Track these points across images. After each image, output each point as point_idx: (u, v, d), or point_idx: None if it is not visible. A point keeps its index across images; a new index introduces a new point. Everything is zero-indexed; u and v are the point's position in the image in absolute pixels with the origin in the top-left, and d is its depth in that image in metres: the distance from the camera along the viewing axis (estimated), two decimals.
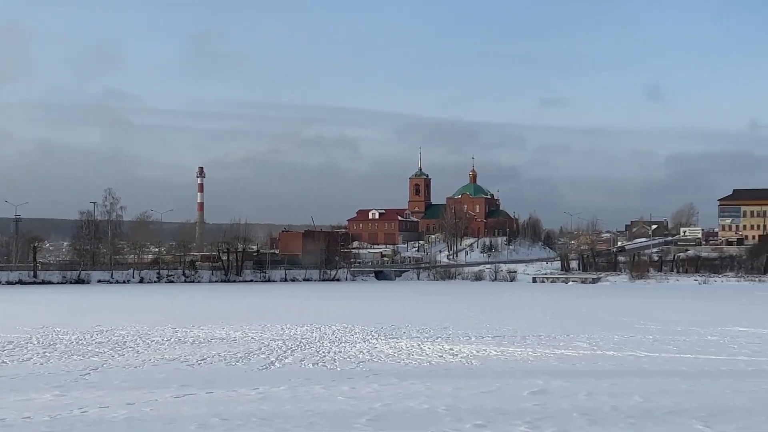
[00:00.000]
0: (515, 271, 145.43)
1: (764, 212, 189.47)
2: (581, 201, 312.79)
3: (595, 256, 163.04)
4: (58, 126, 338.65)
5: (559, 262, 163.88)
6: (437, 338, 36.62)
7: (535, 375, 24.40)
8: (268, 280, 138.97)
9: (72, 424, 16.93)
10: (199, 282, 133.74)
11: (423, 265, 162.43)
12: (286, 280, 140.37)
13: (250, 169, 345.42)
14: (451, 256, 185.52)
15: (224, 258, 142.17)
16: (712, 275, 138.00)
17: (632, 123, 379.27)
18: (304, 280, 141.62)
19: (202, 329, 41.23)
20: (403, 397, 20.18)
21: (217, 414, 17.87)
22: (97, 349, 31.63)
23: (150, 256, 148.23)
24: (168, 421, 17.23)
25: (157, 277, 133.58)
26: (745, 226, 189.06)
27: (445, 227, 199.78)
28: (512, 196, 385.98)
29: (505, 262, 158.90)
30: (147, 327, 42.35)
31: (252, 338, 36.52)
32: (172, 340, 35.87)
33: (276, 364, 27.76)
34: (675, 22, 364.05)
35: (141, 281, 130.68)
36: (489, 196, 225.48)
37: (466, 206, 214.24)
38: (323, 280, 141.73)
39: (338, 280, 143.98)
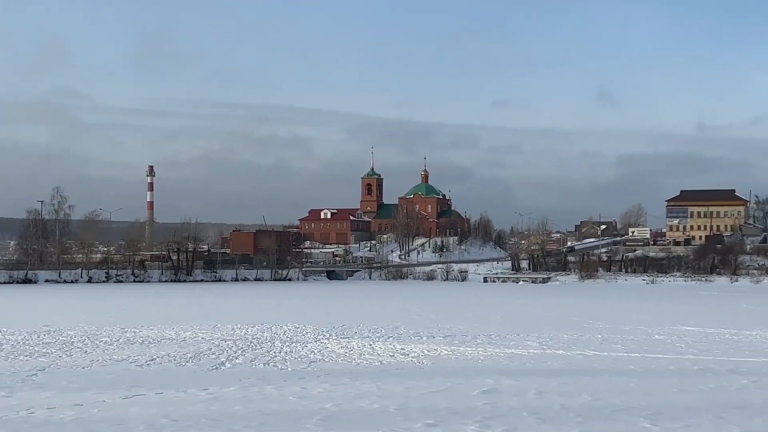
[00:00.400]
0: (466, 271, 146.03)
1: (711, 213, 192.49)
2: (532, 201, 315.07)
3: (545, 256, 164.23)
4: (5, 124, 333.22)
5: (510, 261, 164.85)
6: (389, 338, 36.69)
7: (485, 374, 24.55)
8: (219, 280, 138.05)
9: (19, 426, 16.71)
10: (148, 282, 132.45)
11: (375, 265, 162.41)
12: (237, 279, 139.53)
13: (202, 168, 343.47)
14: (402, 256, 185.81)
15: (174, 257, 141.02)
16: (660, 275, 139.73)
17: (583, 124, 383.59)
18: (256, 279, 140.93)
19: (152, 329, 40.89)
20: (354, 397, 20.19)
21: (167, 415, 17.73)
22: (44, 350, 31.24)
23: (99, 256, 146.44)
24: (117, 422, 17.06)
25: (106, 277, 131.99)
26: (692, 227, 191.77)
27: (397, 227, 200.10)
28: (464, 196, 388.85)
29: (456, 262, 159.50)
30: (95, 327, 41.90)
31: (202, 338, 36.30)
32: (120, 340, 35.53)
33: (226, 364, 27.62)
34: (626, 24, 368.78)
35: (89, 281, 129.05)
36: (441, 196, 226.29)
37: (418, 206, 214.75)
38: (275, 280, 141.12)
39: (290, 279, 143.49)
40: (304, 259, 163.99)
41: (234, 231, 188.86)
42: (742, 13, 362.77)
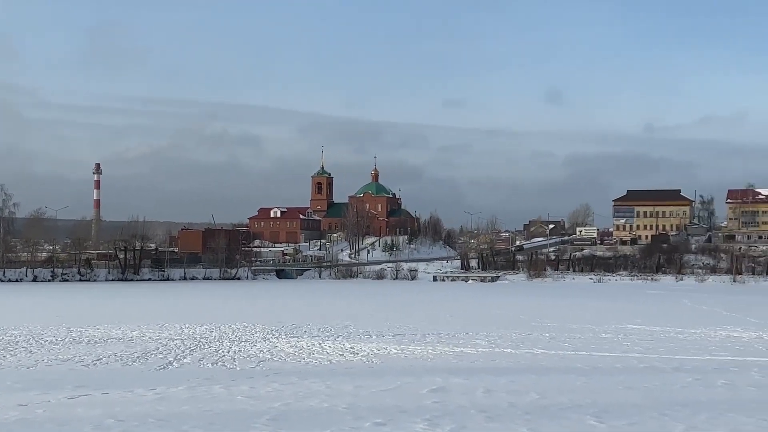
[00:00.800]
0: (416, 270, 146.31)
1: (657, 213, 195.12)
2: (482, 200, 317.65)
3: (494, 255, 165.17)
4: None
5: (459, 261, 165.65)
6: (338, 337, 36.67)
7: (434, 373, 24.64)
8: (167, 279, 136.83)
9: None
10: (95, 281, 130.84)
11: (325, 264, 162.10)
12: (185, 278, 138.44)
13: (150, 166, 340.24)
14: (352, 255, 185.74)
15: (121, 256, 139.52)
16: (607, 274, 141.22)
17: (533, 124, 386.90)
18: (204, 278, 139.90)
19: (98, 329, 40.43)
20: (304, 397, 20.14)
21: (113, 415, 17.53)
22: None
23: (44, 255, 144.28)
24: (62, 422, 16.83)
25: (52, 276, 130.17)
26: (638, 226, 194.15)
27: (347, 226, 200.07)
28: (414, 195, 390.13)
29: (406, 261, 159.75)
30: (40, 326, 41.32)
31: (149, 338, 35.97)
32: (66, 339, 35.09)
33: (174, 363, 27.40)
34: (575, 25, 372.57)
35: (34, 280, 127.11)
36: (391, 196, 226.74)
37: (368, 205, 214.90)
38: (223, 279, 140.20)
39: (239, 278, 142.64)
40: (253, 258, 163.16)
41: (182, 229, 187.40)
42: (690, 15, 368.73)
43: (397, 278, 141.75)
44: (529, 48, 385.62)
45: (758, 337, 38.37)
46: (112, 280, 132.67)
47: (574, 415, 17.81)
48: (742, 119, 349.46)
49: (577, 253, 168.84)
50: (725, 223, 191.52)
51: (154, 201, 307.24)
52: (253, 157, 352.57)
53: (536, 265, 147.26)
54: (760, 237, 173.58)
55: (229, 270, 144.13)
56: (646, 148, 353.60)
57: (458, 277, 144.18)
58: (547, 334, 38.67)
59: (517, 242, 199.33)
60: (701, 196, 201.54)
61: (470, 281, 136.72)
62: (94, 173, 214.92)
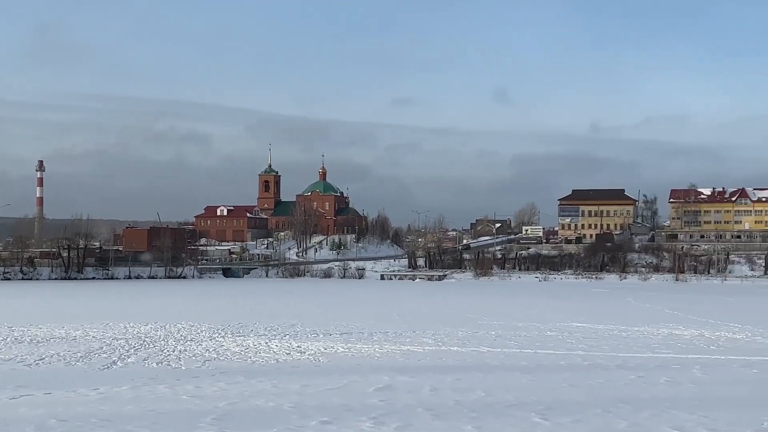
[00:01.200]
0: (364, 269, 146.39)
1: (601, 212, 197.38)
2: (429, 199, 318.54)
3: (441, 254, 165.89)
4: None
5: (407, 259, 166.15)
6: (285, 336, 36.57)
7: (381, 371, 24.68)
8: (111, 278, 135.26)
9: None
10: (37, 279, 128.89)
11: (272, 263, 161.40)
12: (130, 277, 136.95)
13: (95, 164, 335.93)
14: (300, 254, 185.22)
15: (65, 255, 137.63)
16: (552, 272, 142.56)
17: (481, 123, 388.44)
18: (149, 277, 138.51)
19: (41, 328, 39.84)
20: (249, 396, 20.05)
21: (56, 415, 17.30)
22: None
23: None
24: (3, 423, 16.58)
25: None
26: (583, 225, 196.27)
27: (294, 225, 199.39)
28: (362, 194, 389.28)
29: (353, 260, 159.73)
30: None
31: (93, 337, 35.54)
32: (8, 339, 34.53)
33: (118, 363, 27.11)
34: (523, 24, 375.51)
35: None
36: (339, 194, 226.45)
37: (315, 204, 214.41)
38: (169, 278, 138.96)
39: (185, 277, 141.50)
40: (199, 257, 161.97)
41: (127, 228, 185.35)
42: (635, 16, 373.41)
43: (344, 277, 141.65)
44: (477, 47, 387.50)
45: (699, 335, 39.01)
46: (56, 278, 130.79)
47: (519, 412, 17.96)
48: (685, 120, 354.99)
49: (523, 252, 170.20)
50: (668, 222, 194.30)
51: (98, 199, 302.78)
52: (200, 155, 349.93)
53: (483, 264, 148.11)
54: (702, 236, 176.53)
55: (174, 269, 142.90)
56: (591, 148, 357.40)
57: (406, 275, 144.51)
58: (493, 333, 38.93)
59: (464, 241, 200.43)
60: (645, 196, 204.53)
61: (417, 280, 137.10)
62: (37, 170, 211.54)
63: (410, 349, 31.56)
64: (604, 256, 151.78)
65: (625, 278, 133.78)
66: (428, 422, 16.92)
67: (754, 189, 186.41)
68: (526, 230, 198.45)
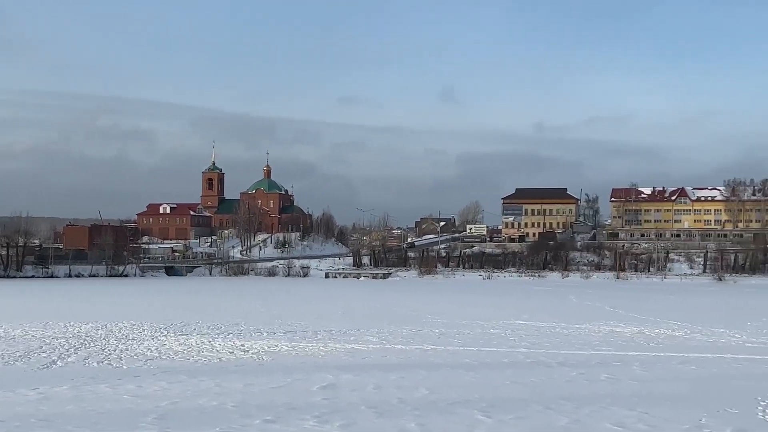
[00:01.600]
0: (308, 267, 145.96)
1: (544, 211, 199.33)
2: (374, 198, 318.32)
3: (386, 252, 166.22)
4: None
5: (352, 257, 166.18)
6: (228, 334, 36.35)
7: (325, 369, 24.65)
8: (51, 276, 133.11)
9: None
10: None
11: (215, 261, 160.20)
12: (70, 275, 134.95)
13: (35, 160, 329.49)
14: (244, 252, 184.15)
15: (3, 253, 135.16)
16: (496, 271, 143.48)
17: (426, 122, 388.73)
18: (90, 276, 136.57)
19: None
20: (192, 395, 19.89)
21: None
22: None
23: None
24: None
25: None
26: (526, 224, 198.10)
27: (238, 222, 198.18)
28: (307, 192, 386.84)
29: (298, 258, 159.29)
30: None
31: (33, 336, 34.99)
32: None
33: (58, 362, 26.72)
34: (468, 23, 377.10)
35: None
36: (283, 192, 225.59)
37: (260, 201, 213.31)
38: (110, 276, 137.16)
39: (126, 275, 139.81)
40: (141, 255, 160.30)
41: (68, 225, 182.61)
42: (579, 17, 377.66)
43: (289, 275, 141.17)
44: (423, 46, 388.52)
45: (639, 332, 39.59)
46: None
47: (462, 410, 18.06)
48: (628, 120, 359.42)
49: (467, 250, 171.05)
50: (609, 221, 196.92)
51: (38, 196, 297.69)
52: (143, 152, 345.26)
53: (427, 262, 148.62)
54: (643, 235, 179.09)
55: (116, 267, 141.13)
56: (535, 148, 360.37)
57: (350, 273, 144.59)
58: (437, 331, 39.10)
59: (409, 239, 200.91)
60: (587, 195, 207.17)
61: (362, 278, 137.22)
62: None
63: (354, 347, 31.57)
64: (547, 254, 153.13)
65: (567, 276, 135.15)
66: (372, 420, 16.94)
67: (694, 188, 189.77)
68: (470, 229, 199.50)
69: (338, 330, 38.89)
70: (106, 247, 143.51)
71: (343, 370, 24.36)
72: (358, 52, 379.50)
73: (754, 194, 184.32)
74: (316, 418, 17.00)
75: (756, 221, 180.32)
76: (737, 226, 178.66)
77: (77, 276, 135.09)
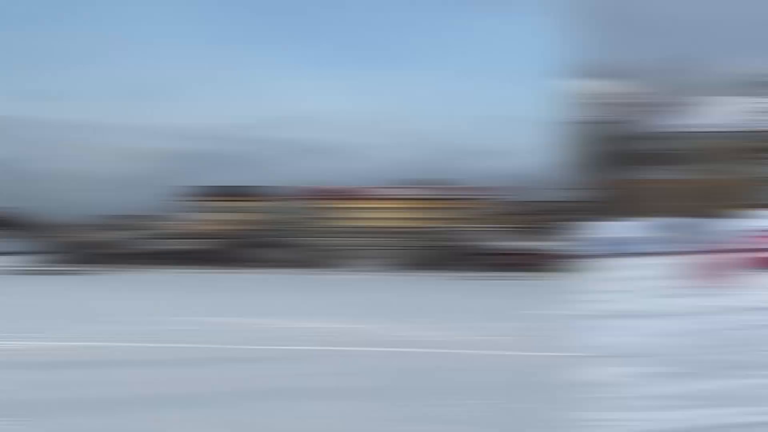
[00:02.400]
0: None
1: (234, 209, 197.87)
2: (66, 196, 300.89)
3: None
4: None
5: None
6: None
7: None
8: None
9: None
10: None
11: None
12: None
13: None
14: None
15: None
16: (186, 268, 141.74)
17: (117, 118, 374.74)
18: None
19: None
20: None
21: None
22: None
23: None
24: None
25: None
26: (217, 222, 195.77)
27: None
28: None
29: None
30: None
31: None
32: None
33: None
34: (162, 20, 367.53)
35: None
36: None
37: None
38: None
39: None
40: None
41: None
42: (266, 15, 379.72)
43: None
44: (117, 41, 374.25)
45: (325, 327, 37.70)
46: None
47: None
48: (315, 119, 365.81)
49: (159, 246, 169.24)
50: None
51: None
52: None
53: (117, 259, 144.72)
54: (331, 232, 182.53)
55: None
56: (225, 146, 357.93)
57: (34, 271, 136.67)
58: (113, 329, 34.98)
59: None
60: (276, 193, 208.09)
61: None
62: None
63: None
64: (236, 252, 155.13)
65: (257, 273, 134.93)
66: None
67: (380, 187, 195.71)
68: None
69: None
70: None
71: None
72: (53, 48, 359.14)
73: (438, 193, 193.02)
74: None
75: (440, 219, 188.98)
76: (419, 225, 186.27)
77: None
